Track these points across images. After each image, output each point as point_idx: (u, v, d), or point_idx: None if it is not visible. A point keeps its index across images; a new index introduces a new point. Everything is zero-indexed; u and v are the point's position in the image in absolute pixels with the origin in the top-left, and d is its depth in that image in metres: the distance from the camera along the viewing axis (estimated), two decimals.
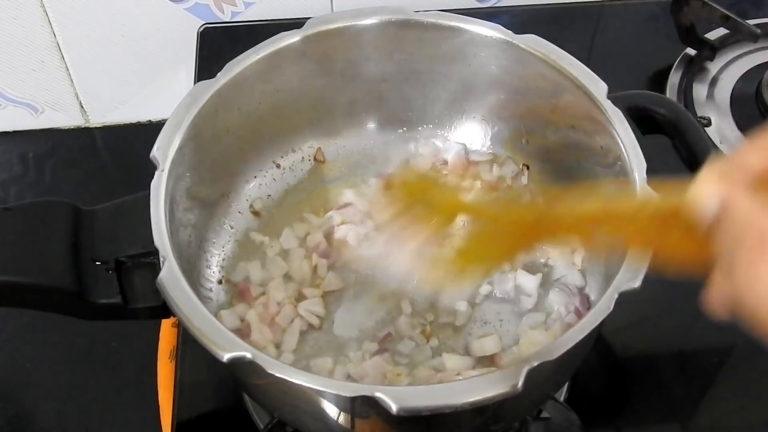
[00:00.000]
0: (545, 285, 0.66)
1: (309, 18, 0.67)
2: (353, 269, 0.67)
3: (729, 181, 0.33)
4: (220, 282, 0.66)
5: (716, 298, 0.34)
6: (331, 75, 0.70)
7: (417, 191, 0.50)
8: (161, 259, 0.53)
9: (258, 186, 0.72)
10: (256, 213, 0.71)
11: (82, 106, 0.96)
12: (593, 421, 0.66)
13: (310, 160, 0.74)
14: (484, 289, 0.66)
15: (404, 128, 0.75)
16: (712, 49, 0.89)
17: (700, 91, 0.87)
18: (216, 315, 0.63)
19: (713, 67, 0.89)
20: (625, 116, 0.60)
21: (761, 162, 0.33)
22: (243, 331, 0.63)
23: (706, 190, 0.33)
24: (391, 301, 0.65)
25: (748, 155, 0.33)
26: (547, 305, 0.65)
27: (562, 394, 0.67)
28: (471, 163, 0.73)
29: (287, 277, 0.67)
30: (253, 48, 0.66)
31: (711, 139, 0.80)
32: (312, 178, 0.73)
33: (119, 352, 0.80)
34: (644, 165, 0.58)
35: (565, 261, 0.67)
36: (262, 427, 0.66)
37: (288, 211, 0.71)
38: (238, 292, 0.65)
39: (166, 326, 0.75)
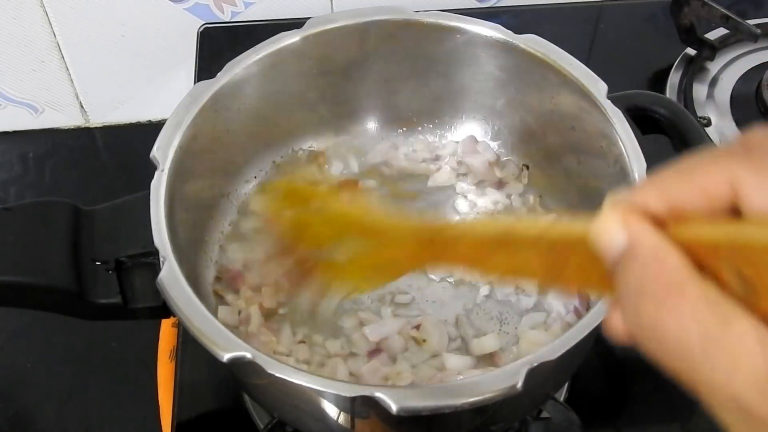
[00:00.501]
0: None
1: (309, 18, 0.67)
2: None
3: (634, 218, 0.30)
4: (218, 279, 0.66)
5: (616, 327, 0.32)
6: (331, 75, 0.70)
7: (296, 199, 0.46)
8: (161, 259, 0.53)
9: (258, 186, 0.72)
10: (255, 213, 0.71)
11: (82, 106, 0.96)
12: (593, 421, 0.66)
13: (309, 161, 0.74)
14: (484, 290, 0.66)
15: (404, 128, 0.75)
16: (712, 49, 0.89)
17: (700, 91, 0.87)
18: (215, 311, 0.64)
19: (713, 67, 0.89)
20: (625, 116, 0.60)
21: (660, 203, 0.30)
22: (241, 323, 0.63)
23: (611, 225, 0.31)
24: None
25: (648, 195, 0.31)
26: (546, 305, 0.65)
27: (562, 394, 0.67)
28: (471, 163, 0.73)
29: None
30: (253, 48, 0.65)
31: (711, 139, 0.80)
32: (312, 178, 0.73)
33: (119, 352, 0.80)
34: (644, 165, 0.58)
35: None
36: (262, 427, 0.66)
37: None
38: (230, 279, 0.66)
39: (166, 326, 0.76)
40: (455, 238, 0.40)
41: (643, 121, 0.63)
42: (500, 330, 0.64)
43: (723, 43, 0.90)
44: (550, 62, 0.63)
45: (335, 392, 0.48)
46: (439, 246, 0.41)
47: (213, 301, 0.65)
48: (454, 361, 0.62)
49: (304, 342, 0.63)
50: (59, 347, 0.81)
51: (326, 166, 0.74)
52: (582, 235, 0.33)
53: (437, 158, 0.74)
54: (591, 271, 0.33)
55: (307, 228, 0.45)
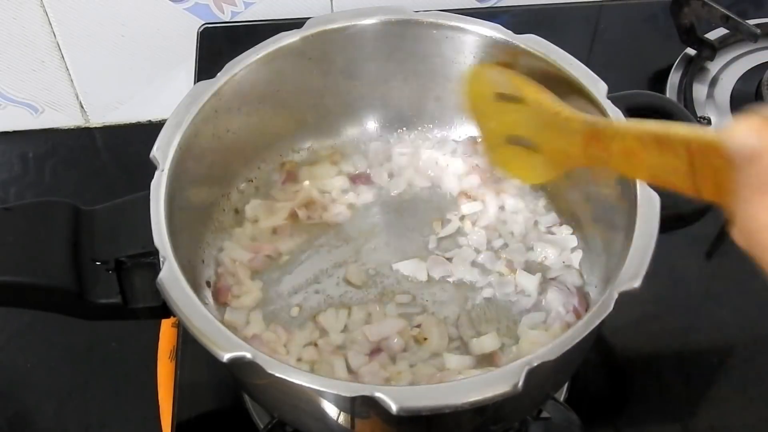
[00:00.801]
0: (543, 284, 0.66)
1: (309, 18, 0.67)
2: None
3: (764, 126, 0.36)
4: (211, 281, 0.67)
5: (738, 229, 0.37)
6: (331, 75, 0.70)
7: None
8: (161, 259, 0.53)
9: (257, 186, 0.72)
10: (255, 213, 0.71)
11: (82, 106, 0.96)
12: (593, 421, 0.66)
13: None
14: (487, 291, 0.66)
15: (404, 128, 0.75)
16: (712, 49, 0.89)
17: (700, 91, 0.87)
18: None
19: (713, 67, 0.89)
20: (625, 116, 0.60)
21: None
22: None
23: (744, 130, 0.36)
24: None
25: None
26: (545, 305, 0.65)
27: (562, 394, 0.67)
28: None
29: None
30: (253, 48, 0.66)
31: None
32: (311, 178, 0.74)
33: (119, 352, 0.80)
34: None
35: (562, 260, 0.67)
36: (262, 427, 0.66)
37: None
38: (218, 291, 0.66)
39: (166, 326, 0.76)
40: (615, 134, 0.47)
41: None
42: (500, 330, 0.64)
43: (723, 43, 0.90)
44: (550, 62, 0.63)
45: (335, 392, 0.48)
46: (601, 140, 0.48)
47: (212, 301, 0.65)
48: (455, 361, 0.62)
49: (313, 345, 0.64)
50: (59, 347, 0.81)
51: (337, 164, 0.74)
52: (720, 141, 0.38)
53: (437, 158, 0.74)
54: (722, 178, 0.39)
55: (503, 113, 0.50)
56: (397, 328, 0.64)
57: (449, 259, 0.68)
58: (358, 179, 0.73)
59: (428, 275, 0.67)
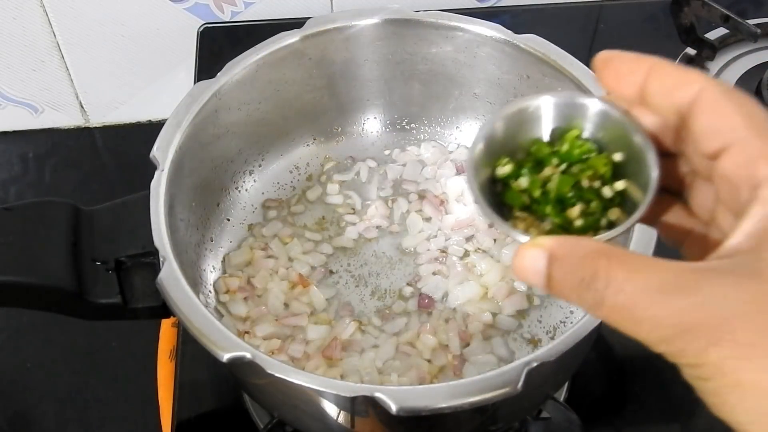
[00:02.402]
0: None
1: (309, 18, 0.67)
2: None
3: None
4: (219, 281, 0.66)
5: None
6: (331, 75, 0.70)
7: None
8: (161, 259, 0.53)
9: (257, 186, 0.72)
10: (255, 213, 0.71)
11: (82, 106, 0.96)
12: (593, 421, 0.66)
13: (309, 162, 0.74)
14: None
15: (404, 128, 0.75)
16: (712, 49, 0.89)
17: None
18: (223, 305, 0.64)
19: (713, 67, 0.89)
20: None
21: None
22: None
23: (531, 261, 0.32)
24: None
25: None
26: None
27: (562, 394, 0.67)
28: None
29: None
30: (253, 48, 0.65)
31: None
32: (311, 178, 0.73)
33: (119, 352, 0.80)
34: None
35: None
36: (262, 427, 0.66)
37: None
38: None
39: (166, 326, 0.75)
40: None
41: None
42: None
43: (723, 43, 0.90)
44: (550, 62, 0.63)
45: (335, 392, 0.48)
46: None
47: (213, 301, 0.65)
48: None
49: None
50: (59, 347, 0.81)
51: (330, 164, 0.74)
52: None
53: (438, 158, 0.74)
54: None
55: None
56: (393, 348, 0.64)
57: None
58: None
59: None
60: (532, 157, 0.38)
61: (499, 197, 0.38)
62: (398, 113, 0.75)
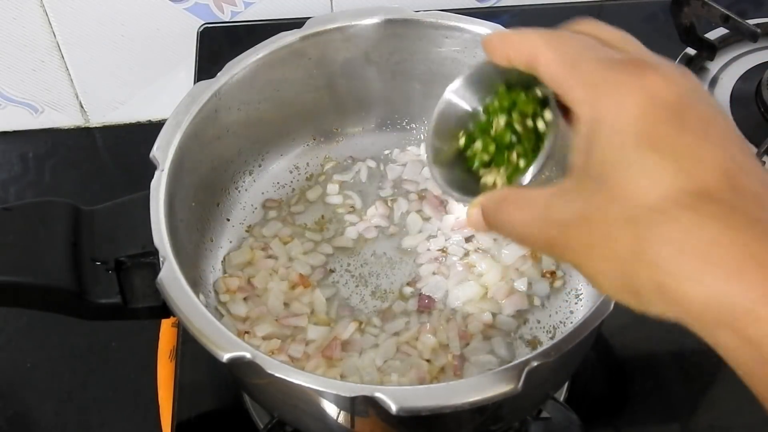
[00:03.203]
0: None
1: (309, 18, 0.67)
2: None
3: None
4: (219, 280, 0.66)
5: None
6: (331, 75, 0.70)
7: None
8: (161, 259, 0.53)
9: (257, 186, 0.72)
10: (255, 213, 0.71)
11: (82, 106, 0.96)
12: (593, 421, 0.66)
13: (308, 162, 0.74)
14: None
15: (404, 128, 0.75)
16: (712, 49, 0.89)
17: None
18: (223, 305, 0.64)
19: (713, 67, 0.89)
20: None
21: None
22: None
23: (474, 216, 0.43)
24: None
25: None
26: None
27: (562, 394, 0.67)
28: None
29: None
30: (253, 48, 0.66)
31: None
32: (311, 178, 0.74)
33: (119, 352, 0.80)
34: None
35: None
36: (262, 427, 0.66)
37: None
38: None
39: (166, 326, 0.76)
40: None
41: None
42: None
43: (723, 43, 0.90)
44: None
45: (335, 392, 0.48)
46: None
47: (214, 301, 0.65)
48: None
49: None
50: (59, 347, 0.81)
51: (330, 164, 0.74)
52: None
53: None
54: None
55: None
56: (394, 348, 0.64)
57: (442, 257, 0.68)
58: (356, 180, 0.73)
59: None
60: (479, 124, 0.48)
61: (467, 166, 0.47)
62: (398, 113, 0.75)
